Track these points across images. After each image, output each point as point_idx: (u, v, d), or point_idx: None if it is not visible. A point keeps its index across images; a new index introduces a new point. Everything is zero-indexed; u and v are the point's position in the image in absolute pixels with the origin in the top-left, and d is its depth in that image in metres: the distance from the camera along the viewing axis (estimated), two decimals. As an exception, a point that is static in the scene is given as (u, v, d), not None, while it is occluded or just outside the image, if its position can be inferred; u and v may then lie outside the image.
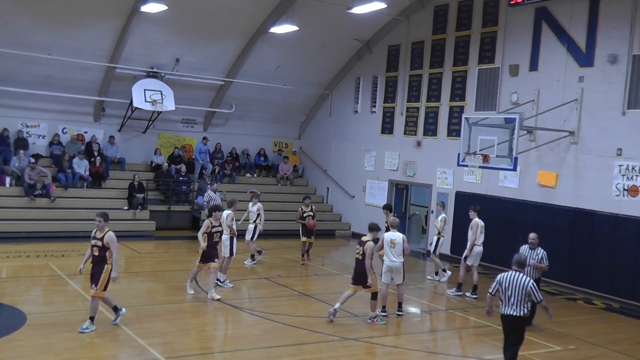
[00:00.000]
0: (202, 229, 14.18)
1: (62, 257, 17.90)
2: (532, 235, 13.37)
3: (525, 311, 9.75)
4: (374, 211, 23.92)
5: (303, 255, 19.09)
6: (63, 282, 15.10)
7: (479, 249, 16.00)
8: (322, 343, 11.66)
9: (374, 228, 13.20)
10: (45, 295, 14.38)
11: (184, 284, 15.75)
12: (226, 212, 15.66)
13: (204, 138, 26.00)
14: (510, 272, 9.92)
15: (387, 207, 17.49)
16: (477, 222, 16.03)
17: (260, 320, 12.81)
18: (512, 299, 9.72)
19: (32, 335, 10.97)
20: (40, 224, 20.75)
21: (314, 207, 19.46)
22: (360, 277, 12.83)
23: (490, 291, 10.13)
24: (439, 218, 17.73)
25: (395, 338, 12.51)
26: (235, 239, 15.69)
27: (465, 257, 16.12)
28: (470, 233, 16.04)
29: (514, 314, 9.73)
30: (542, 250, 13.15)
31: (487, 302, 10.46)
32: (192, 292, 14.44)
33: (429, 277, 17.76)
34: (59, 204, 21.55)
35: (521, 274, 9.86)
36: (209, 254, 14.07)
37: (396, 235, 13.41)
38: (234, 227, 15.76)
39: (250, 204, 18.86)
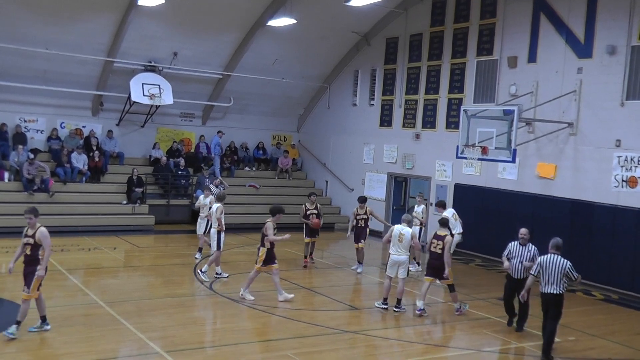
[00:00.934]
0: (271, 231, 13.51)
1: (62, 251, 17.88)
2: (523, 230, 12.49)
3: (563, 289, 10.85)
4: (373, 204, 23.89)
5: (306, 257, 17.72)
6: (62, 276, 15.10)
7: (457, 237, 16.50)
8: (322, 336, 11.67)
9: (445, 223, 13.74)
10: (44, 290, 14.21)
11: (184, 277, 15.78)
12: (216, 206, 15.61)
13: (219, 132, 25.94)
14: (549, 255, 10.97)
15: (361, 200, 17.60)
16: (446, 215, 16.40)
17: (260, 313, 12.81)
18: (551, 279, 10.81)
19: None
20: (39, 218, 20.67)
21: (319, 205, 18.10)
22: (437, 270, 13.23)
23: (532, 272, 11.23)
24: (420, 209, 17.75)
25: (395, 330, 12.52)
26: (223, 233, 15.55)
27: None
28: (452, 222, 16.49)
29: (554, 292, 10.82)
30: (534, 246, 12.35)
31: (527, 283, 11.48)
32: (253, 297, 13.66)
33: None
34: (57, 198, 21.54)
35: (559, 256, 10.88)
36: (272, 256, 13.68)
37: (405, 230, 13.39)
38: (223, 220, 15.61)
39: (202, 196, 18.33)
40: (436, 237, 13.39)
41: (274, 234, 13.59)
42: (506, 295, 12.63)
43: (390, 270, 13.51)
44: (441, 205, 16.96)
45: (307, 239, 17.70)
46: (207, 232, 17.32)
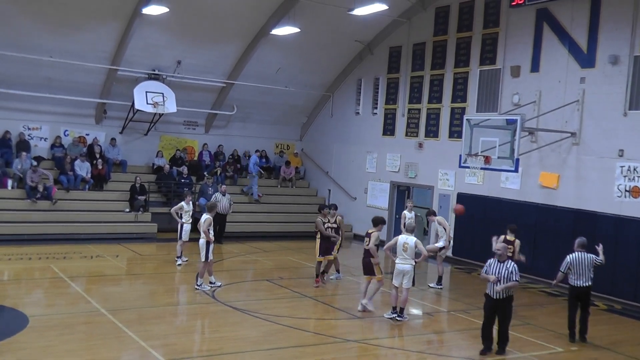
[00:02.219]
0: (373, 243, 13.83)
1: (64, 259, 17.92)
2: (499, 246, 11.73)
3: (590, 281, 12.54)
4: (375, 213, 23.87)
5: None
6: (65, 284, 15.11)
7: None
8: (324, 345, 11.65)
9: (515, 229, 14.91)
10: (47, 297, 14.40)
11: (186, 285, 15.75)
12: (204, 217, 15.27)
13: (257, 151, 26.37)
14: (576, 253, 12.54)
15: (325, 207, 16.95)
16: (443, 219, 17.05)
17: (262, 322, 12.79)
18: (580, 273, 12.46)
19: (33, 338, 10.97)
20: (41, 226, 20.77)
21: (339, 218, 16.78)
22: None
23: (561, 269, 12.61)
24: (412, 214, 18.27)
25: (397, 340, 12.50)
26: (212, 245, 15.11)
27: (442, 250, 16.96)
28: (440, 229, 16.85)
29: (584, 284, 12.54)
30: (513, 263, 11.43)
31: (557, 277, 12.77)
32: (373, 309, 13.93)
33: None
34: (60, 206, 21.56)
35: (585, 253, 12.51)
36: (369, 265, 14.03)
37: (409, 239, 13.36)
38: (211, 232, 15.24)
39: (184, 202, 18.27)
40: (506, 241, 14.18)
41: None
42: (485, 318, 11.61)
43: (396, 279, 13.44)
44: (432, 213, 17.39)
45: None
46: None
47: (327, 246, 16.19)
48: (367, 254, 13.89)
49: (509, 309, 11.55)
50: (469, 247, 19.86)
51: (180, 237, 17.97)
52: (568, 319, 12.73)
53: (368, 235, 14.00)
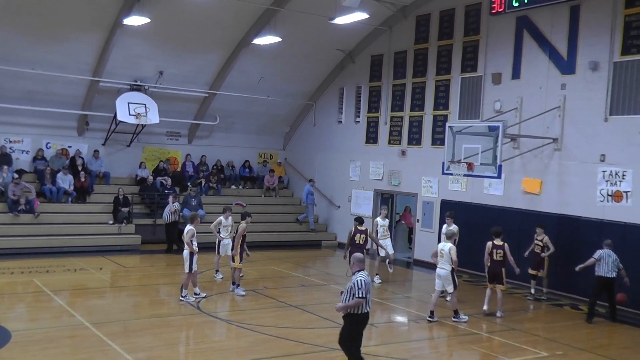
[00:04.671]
0: (509, 254, 14.90)
1: (47, 272, 17.76)
2: (356, 255, 10.00)
3: (615, 274, 14.71)
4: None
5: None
6: (48, 298, 14.97)
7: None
8: (310, 354, 11.62)
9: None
10: (30, 311, 14.26)
11: (170, 297, 15.66)
12: (187, 228, 15.24)
13: (311, 180, 26.35)
14: (605, 249, 14.73)
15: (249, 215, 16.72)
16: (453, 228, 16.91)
17: (247, 332, 12.75)
18: (607, 267, 14.66)
19: (17, 353, 10.85)
20: (24, 240, 20.58)
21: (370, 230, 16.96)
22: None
23: (594, 256, 14.75)
24: (386, 222, 18.97)
25: (383, 347, 12.47)
26: (195, 256, 15.04)
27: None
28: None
29: (609, 276, 14.70)
30: (358, 276, 9.60)
31: (587, 261, 14.89)
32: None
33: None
34: (43, 219, 21.39)
35: (611, 250, 14.71)
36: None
37: (445, 246, 14.34)
38: (195, 244, 15.05)
39: (222, 217, 17.81)
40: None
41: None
42: None
43: (437, 283, 14.46)
44: (451, 216, 17.45)
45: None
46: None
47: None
48: (498, 264, 14.85)
49: (349, 330, 9.77)
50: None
51: (218, 252, 17.84)
52: (589, 303, 15.07)
53: (501, 247, 14.90)
